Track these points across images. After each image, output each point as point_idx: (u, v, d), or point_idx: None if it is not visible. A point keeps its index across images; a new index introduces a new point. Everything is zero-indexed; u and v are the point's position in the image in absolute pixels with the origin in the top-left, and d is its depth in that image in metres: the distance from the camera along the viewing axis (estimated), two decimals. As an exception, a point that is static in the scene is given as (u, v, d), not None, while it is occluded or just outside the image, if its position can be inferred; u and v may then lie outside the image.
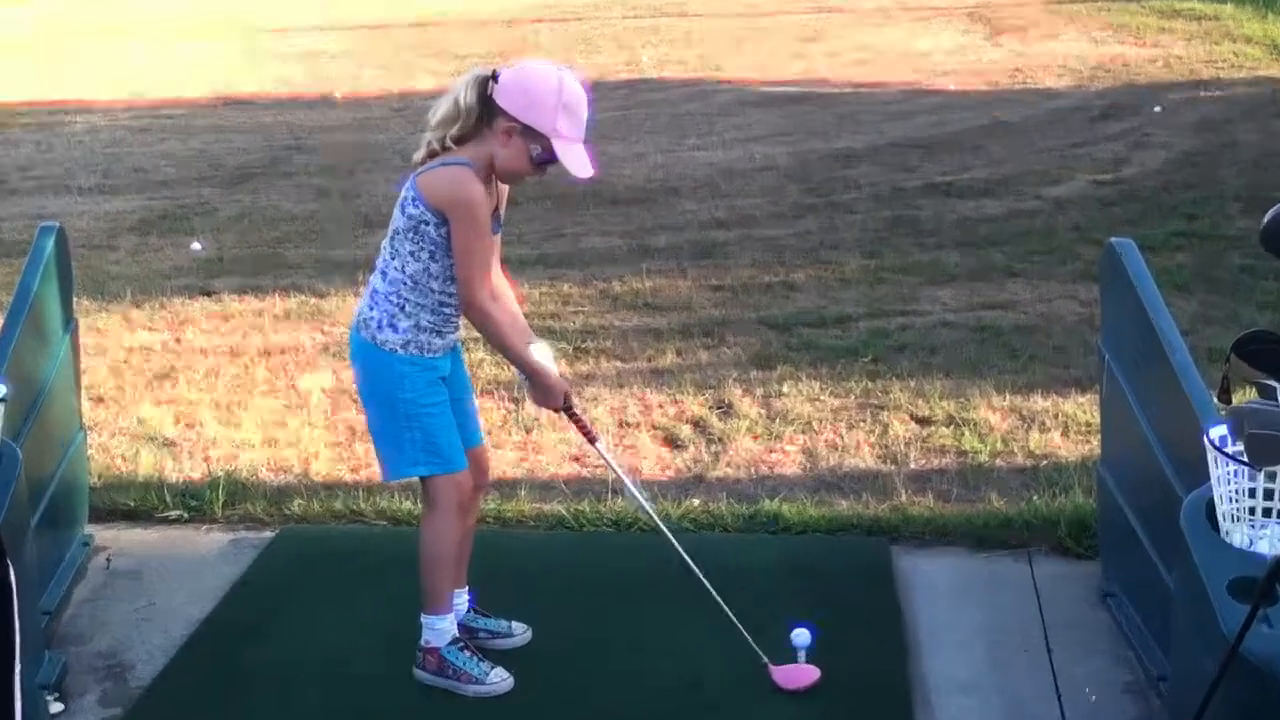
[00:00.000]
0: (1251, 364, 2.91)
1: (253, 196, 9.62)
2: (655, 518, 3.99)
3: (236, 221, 8.94)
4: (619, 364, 6.26)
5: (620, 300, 7.12)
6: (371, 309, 3.64)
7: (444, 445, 3.68)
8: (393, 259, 3.60)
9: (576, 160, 3.51)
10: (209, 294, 7.43)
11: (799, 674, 3.75)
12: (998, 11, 16.70)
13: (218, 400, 5.97)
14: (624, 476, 4.04)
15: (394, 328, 3.61)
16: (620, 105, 12.28)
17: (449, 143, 3.51)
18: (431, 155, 3.54)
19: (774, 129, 11.23)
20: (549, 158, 3.50)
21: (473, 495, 3.88)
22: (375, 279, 3.66)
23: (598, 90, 13.25)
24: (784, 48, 15.08)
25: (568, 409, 3.79)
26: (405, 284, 3.59)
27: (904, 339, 6.41)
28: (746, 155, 10.29)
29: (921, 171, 9.57)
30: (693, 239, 8.15)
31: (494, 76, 3.49)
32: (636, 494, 4.13)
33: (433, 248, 3.55)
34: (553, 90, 3.46)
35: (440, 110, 3.53)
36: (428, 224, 3.54)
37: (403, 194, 3.57)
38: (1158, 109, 11.19)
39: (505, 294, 3.78)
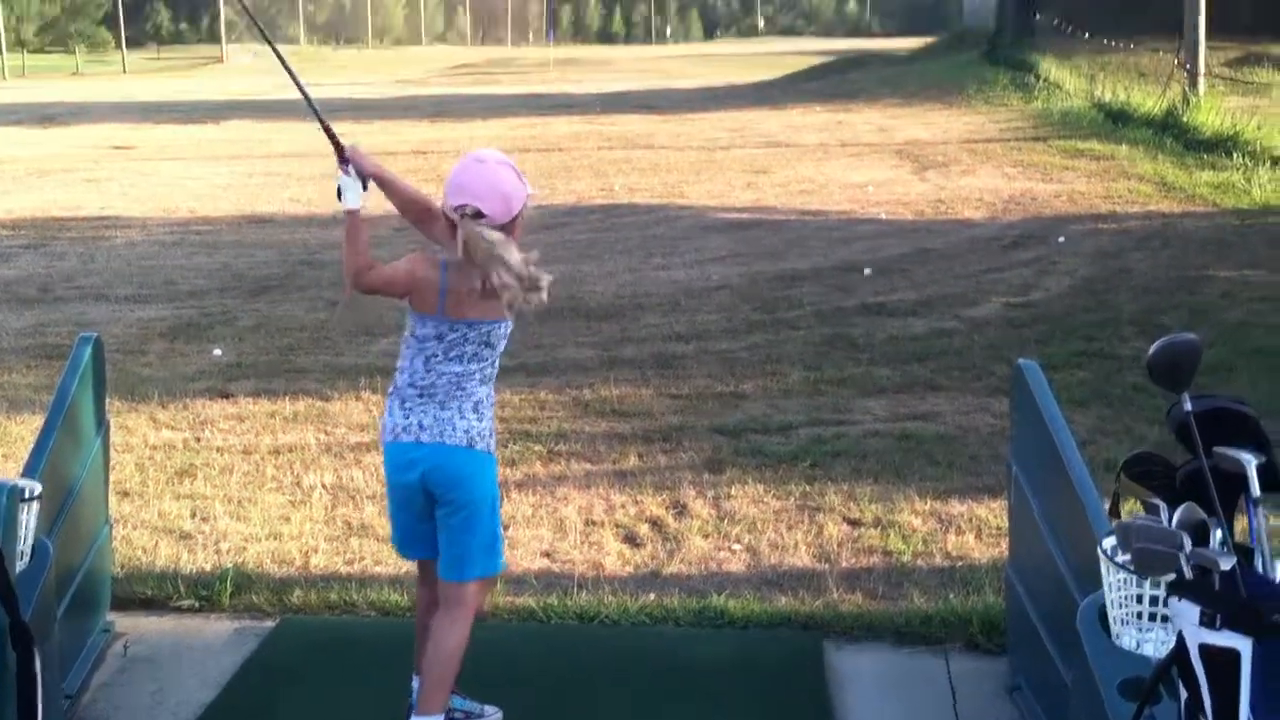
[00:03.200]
0: (1138, 483, 2.92)
1: (270, 306, 9.60)
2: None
3: (254, 330, 8.90)
4: (588, 465, 6.23)
5: (590, 407, 7.10)
6: None
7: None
8: None
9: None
10: (227, 396, 7.38)
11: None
12: (922, 149, 16.93)
13: (230, 495, 5.90)
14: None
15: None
16: (595, 228, 12.37)
17: None
18: None
19: (728, 250, 11.30)
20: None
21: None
22: None
23: (575, 213, 13.41)
24: (738, 178, 15.24)
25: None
26: None
27: (839, 446, 6.38)
28: (704, 275, 10.34)
29: (858, 292, 9.62)
30: (655, 351, 8.16)
31: None
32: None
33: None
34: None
35: None
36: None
37: None
38: (1061, 239, 11.31)
39: None
